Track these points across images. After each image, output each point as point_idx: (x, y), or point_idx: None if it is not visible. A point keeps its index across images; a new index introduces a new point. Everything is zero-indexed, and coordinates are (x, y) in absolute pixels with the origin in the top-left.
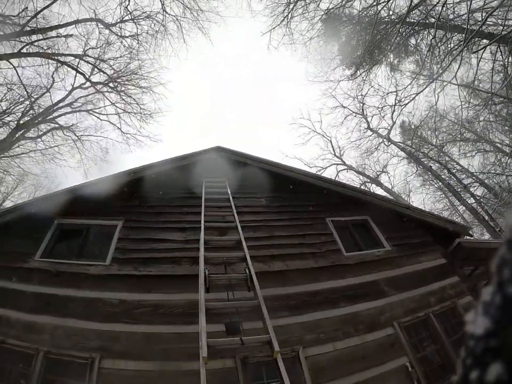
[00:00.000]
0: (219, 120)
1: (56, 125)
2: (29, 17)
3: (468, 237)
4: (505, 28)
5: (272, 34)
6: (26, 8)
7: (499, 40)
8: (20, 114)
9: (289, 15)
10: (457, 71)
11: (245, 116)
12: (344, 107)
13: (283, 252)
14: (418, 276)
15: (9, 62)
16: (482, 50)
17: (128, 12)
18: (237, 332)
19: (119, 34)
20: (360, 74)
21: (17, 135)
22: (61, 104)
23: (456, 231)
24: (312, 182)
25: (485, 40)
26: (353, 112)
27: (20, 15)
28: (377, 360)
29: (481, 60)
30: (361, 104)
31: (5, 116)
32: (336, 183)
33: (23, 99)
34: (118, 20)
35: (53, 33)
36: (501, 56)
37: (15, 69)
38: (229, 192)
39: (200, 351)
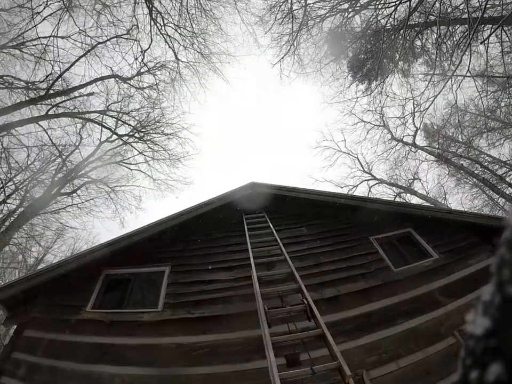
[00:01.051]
0: (246, 153)
1: (89, 179)
2: (51, 81)
3: None
4: (504, 8)
5: (282, 64)
6: (51, 73)
7: (502, 23)
8: (54, 172)
9: (295, 43)
10: (469, 63)
11: (269, 146)
12: (365, 122)
13: (333, 277)
14: (471, 279)
15: (38, 124)
16: (488, 37)
17: (143, 64)
18: (297, 363)
19: (138, 86)
20: (376, 87)
21: (53, 192)
22: (91, 159)
23: (501, 225)
24: (348, 203)
25: (488, 26)
26: (375, 125)
27: (43, 80)
28: (442, 372)
29: (489, 45)
30: (382, 116)
31: (40, 174)
32: (372, 200)
33: (54, 157)
34: (135, 73)
35: (76, 93)
36: (507, 38)
37: (44, 130)
38: (271, 226)
39: None
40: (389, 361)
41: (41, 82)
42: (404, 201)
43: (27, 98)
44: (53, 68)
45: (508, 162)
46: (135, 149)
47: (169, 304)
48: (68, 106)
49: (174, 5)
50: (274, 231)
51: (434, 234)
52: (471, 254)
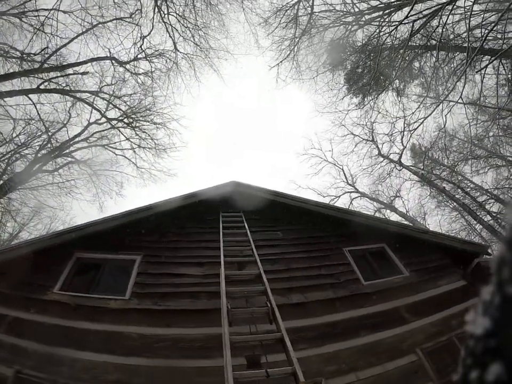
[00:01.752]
0: (232, 152)
1: (73, 159)
2: (47, 55)
3: (487, 256)
4: (505, 42)
5: (280, 68)
6: (47, 47)
7: (501, 55)
8: (38, 148)
9: (295, 48)
10: (462, 90)
11: (257, 147)
12: (354, 135)
13: (302, 284)
14: (438, 300)
15: (28, 97)
16: (485, 68)
17: (142, 50)
18: (257, 365)
19: (133, 71)
20: (368, 102)
21: (34, 168)
22: (77, 139)
23: (475, 251)
24: (327, 213)
25: (487, 57)
26: (364, 139)
27: (39, 53)
28: None
29: (485, 75)
30: (371, 131)
31: (23, 148)
32: (351, 213)
33: (40, 133)
34: (132, 58)
35: (70, 70)
36: (503, 71)
37: (33, 104)
38: (246, 226)
39: None
40: (348, 372)
41: (36, 54)
42: (382, 217)
43: (20, 69)
44: (50, 42)
45: (489, 190)
46: (123, 134)
47: (137, 293)
48: (60, 83)
49: None
50: (248, 232)
51: (407, 252)
52: (441, 275)
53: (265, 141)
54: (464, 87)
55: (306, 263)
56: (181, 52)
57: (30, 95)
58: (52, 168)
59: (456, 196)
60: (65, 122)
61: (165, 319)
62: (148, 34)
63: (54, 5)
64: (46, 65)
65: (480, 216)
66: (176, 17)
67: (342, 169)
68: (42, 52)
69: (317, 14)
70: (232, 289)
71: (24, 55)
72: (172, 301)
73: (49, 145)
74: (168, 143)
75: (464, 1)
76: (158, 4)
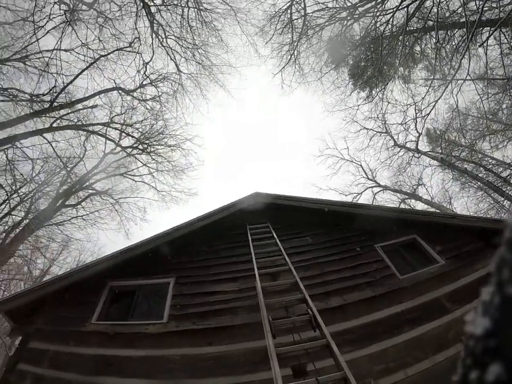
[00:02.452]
0: (247, 164)
1: (94, 191)
2: (55, 94)
3: None
4: (502, 10)
5: (284, 74)
6: (54, 86)
7: (500, 25)
8: (58, 184)
9: (295, 52)
10: (468, 66)
11: (272, 156)
12: (368, 129)
13: (338, 287)
14: (477, 284)
15: (42, 136)
16: (486, 40)
17: (146, 76)
18: (304, 373)
19: (141, 98)
20: (376, 94)
21: (57, 204)
22: (95, 171)
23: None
24: (354, 211)
25: (486, 28)
26: (377, 132)
27: (47, 93)
28: (451, 381)
29: (488, 48)
30: (384, 123)
31: (45, 186)
32: (376, 207)
33: (59, 169)
34: (138, 86)
35: (79, 106)
36: (506, 39)
37: (49, 142)
38: (275, 236)
39: None
40: (397, 369)
41: (45, 95)
42: (408, 207)
43: (31, 111)
44: (56, 81)
45: (511, 164)
46: (139, 160)
47: (174, 315)
48: (71, 119)
49: (175, 17)
50: (278, 241)
51: (439, 240)
52: (477, 258)
53: (279, 148)
54: (469, 63)
55: (339, 265)
56: (184, 73)
57: (44, 134)
58: (75, 202)
59: (479, 175)
60: (81, 156)
61: (205, 338)
62: (150, 60)
63: (55, 45)
64: (55, 104)
65: (507, 191)
66: (174, 40)
67: (361, 165)
68: (51, 92)
69: (310, 14)
70: (270, 300)
71: (33, 97)
72: (210, 319)
73: (69, 180)
74: (185, 163)
75: None
76: (155, 29)
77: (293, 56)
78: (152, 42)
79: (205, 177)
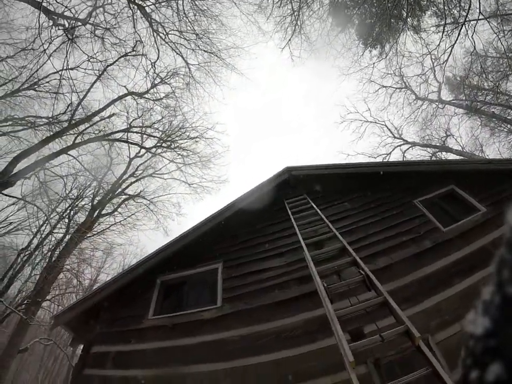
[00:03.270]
0: (274, 141)
1: (127, 196)
2: (71, 112)
3: None
4: None
5: (291, 46)
6: (70, 104)
7: None
8: (92, 196)
9: (299, 22)
10: (479, 5)
11: (296, 130)
12: (386, 87)
13: (384, 247)
14: None
15: (68, 154)
16: None
17: (156, 75)
18: (361, 337)
19: (154, 98)
20: (390, 49)
21: (95, 215)
22: (124, 177)
23: None
24: (386, 170)
25: None
26: (397, 88)
27: (64, 112)
28: None
29: None
30: (401, 77)
31: (79, 201)
32: (409, 163)
33: (89, 182)
34: (150, 86)
35: (97, 118)
36: None
37: (75, 158)
38: (314, 205)
39: (345, 358)
40: (452, 322)
41: (62, 114)
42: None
43: (51, 133)
44: (71, 99)
45: None
46: (165, 158)
47: (227, 298)
48: (92, 132)
49: (171, 12)
50: (318, 210)
51: (478, 187)
52: None
53: (302, 123)
54: (479, 1)
55: (382, 225)
56: (193, 64)
57: (70, 152)
58: (111, 210)
59: (508, 117)
60: (108, 165)
61: (261, 315)
62: (157, 59)
63: (62, 66)
64: (73, 121)
65: None
66: (176, 34)
67: (385, 125)
68: (67, 111)
69: None
70: (321, 268)
71: (50, 119)
72: (263, 296)
73: (101, 190)
74: (210, 152)
75: None
76: (155, 28)
77: (297, 26)
78: (155, 41)
79: (232, 162)
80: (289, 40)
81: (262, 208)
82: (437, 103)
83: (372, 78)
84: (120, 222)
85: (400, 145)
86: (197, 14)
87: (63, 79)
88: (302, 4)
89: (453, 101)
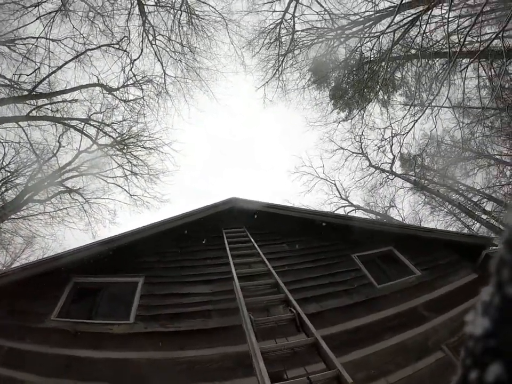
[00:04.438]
0: (225, 172)
1: (64, 188)
2: (35, 83)
3: (493, 248)
4: (482, 44)
5: (267, 88)
6: (35, 74)
7: (479, 56)
8: (28, 177)
9: (280, 68)
10: (447, 94)
11: (250, 167)
12: (344, 149)
13: (315, 293)
14: (454, 295)
15: (18, 124)
16: (465, 70)
17: (133, 75)
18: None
19: (122, 98)
20: (355, 115)
21: (25, 197)
22: (68, 168)
23: (481, 243)
24: (331, 221)
25: (465, 60)
26: (353, 152)
27: (27, 81)
28: None
29: (466, 78)
30: (360, 144)
31: (15, 177)
32: (354, 219)
33: (31, 162)
34: (121, 85)
35: (59, 98)
36: (483, 71)
37: (24, 131)
38: (252, 240)
39: None
40: (379, 376)
41: (25, 82)
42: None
43: (9, 97)
44: (39, 69)
45: (481, 190)
46: (115, 161)
47: (143, 316)
48: (50, 109)
49: (167, 19)
50: (255, 244)
51: (416, 252)
52: (453, 271)
53: (258, 160)
54: (448, 91)
55: (316, 272)
56: (170, 76)
57: (19, 122)
58: (44, 198)
59: (451, 198)
60: (55, 151)
61: (176, 341)
62: (137, 58)
63: (42, 33)
64: (35, 93)
65: (477, 214)
66: (163, 42)
67: (335, 184)
68: (31, 79)
69: (299, 32)
70: (251, 299)
71: (12, 83)
72: (182, 322)
73: (40, 174)
74: (160, 168)
75: (441, 9)
76: (146, 28)
77: (277, 71)
78: (142, 41)
79: (180, 182)
80: (267, 82)
81: (198, 232)
82: (387, 174)
83: (333, 138)
84: (49, 212)
85: (344, 206)
86: (191, 30)
87: (40, 47)
88: (288, 53)
89: (403, 175)
